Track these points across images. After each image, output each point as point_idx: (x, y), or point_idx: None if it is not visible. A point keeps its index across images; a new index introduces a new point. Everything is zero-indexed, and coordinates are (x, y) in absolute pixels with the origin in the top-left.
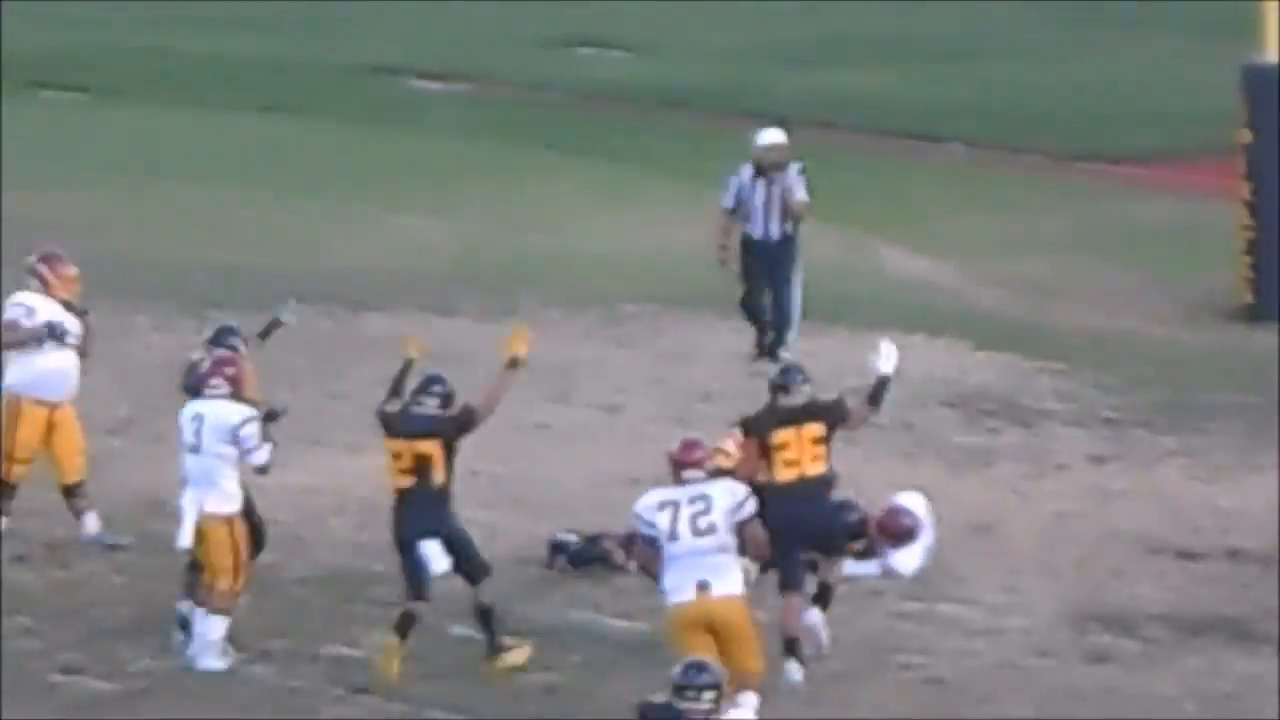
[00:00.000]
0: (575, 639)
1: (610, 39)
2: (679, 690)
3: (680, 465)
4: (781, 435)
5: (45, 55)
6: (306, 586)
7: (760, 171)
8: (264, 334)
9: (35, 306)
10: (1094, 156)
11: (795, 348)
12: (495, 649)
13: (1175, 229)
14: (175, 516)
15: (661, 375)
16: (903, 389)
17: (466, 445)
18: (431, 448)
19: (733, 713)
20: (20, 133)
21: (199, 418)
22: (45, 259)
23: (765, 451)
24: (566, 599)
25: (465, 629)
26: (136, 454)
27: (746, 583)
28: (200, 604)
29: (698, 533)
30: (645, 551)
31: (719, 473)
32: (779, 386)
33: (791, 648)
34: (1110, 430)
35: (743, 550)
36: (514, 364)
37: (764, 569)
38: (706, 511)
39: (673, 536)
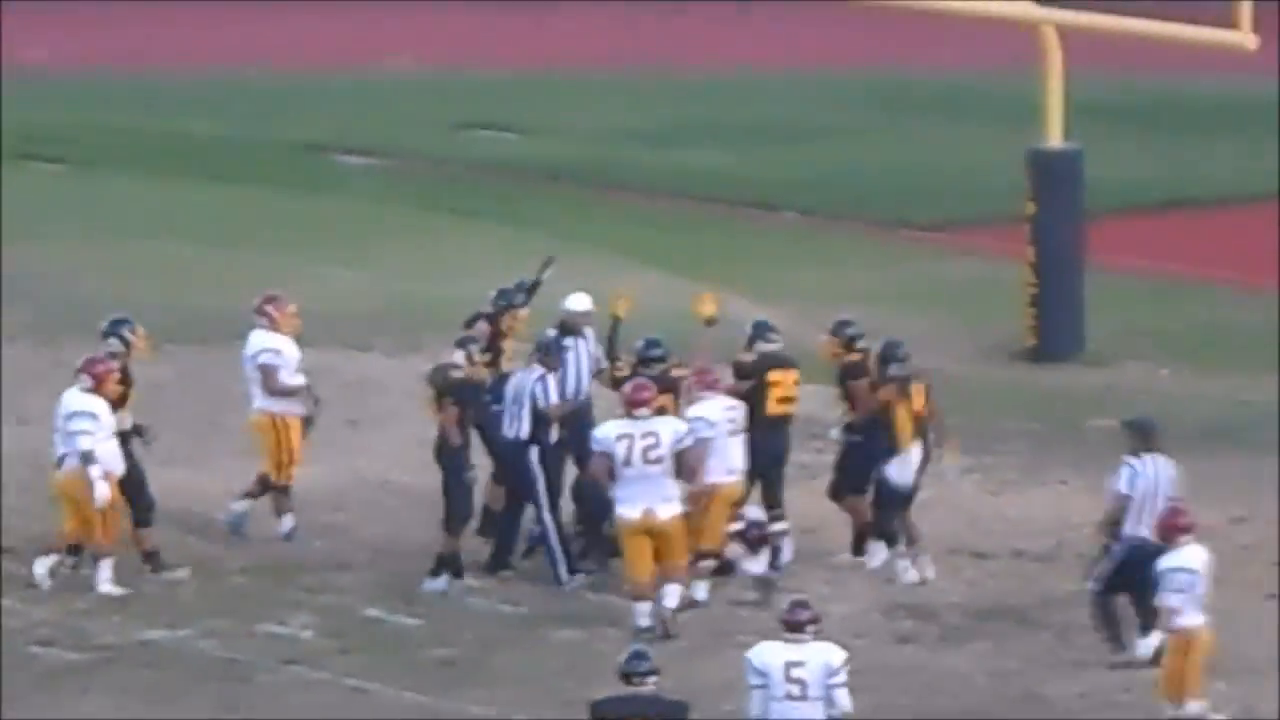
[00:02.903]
0: (468, 618)
1: (502, 123)
2: (626, 676)
3: (633, 404)
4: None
5: (29, 131)
6: (245, 574)
7: (568, 331)
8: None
9: (279, 348)
10: (906, 224)
11: None
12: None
13: (972, 284)
14: None
15: None
16: None
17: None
18: (665, 400)
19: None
20: (5, 196)
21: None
22: (268, 300)
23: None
24: (459, 587)
25: (377, 610)
26: None
27: None
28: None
29: (648, 461)
30: (601, 465)
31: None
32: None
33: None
34: None
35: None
36: (710, 323)
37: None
38: (656, 445)
39: (627, 463)
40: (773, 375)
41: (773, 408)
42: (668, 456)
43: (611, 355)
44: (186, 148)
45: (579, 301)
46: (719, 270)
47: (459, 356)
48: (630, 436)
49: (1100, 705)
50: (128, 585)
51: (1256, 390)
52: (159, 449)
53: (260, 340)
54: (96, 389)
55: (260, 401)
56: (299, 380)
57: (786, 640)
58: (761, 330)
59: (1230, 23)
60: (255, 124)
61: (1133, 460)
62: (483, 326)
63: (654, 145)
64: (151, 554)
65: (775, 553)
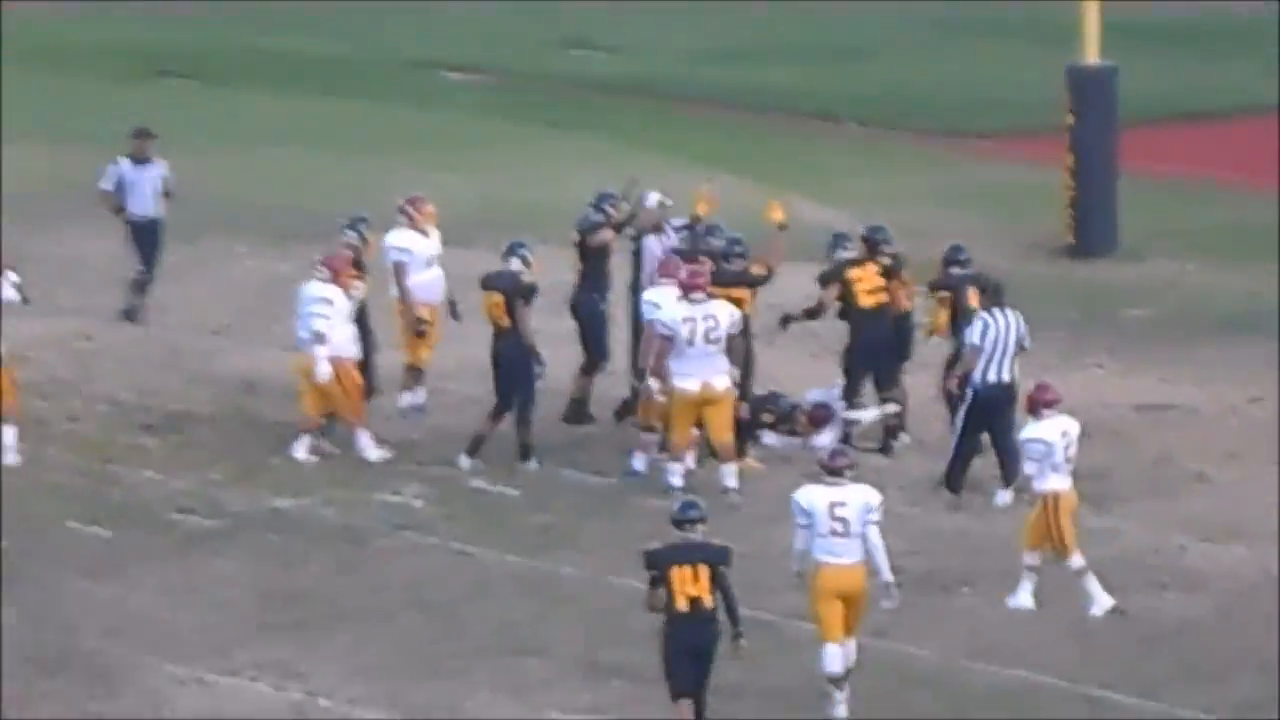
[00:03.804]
0: (563, 488)
1: (593, 43)
2: (678, 523)
3: (690, 288)
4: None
5: (165, 50)
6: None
7: (655, 229)
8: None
9: (410, 246)
10: (955, 132)
11: None
12: None
13: (1016, 188)
14: (261, 392)
15: None
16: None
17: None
18: (743, 294)
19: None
20: (144, 110)
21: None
22: (410, 200)
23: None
24: (556, 459)
25: (480, 481)
26: (234, 349)
27: None
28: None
29: (708, 341)
30: (665, 345)
31: None
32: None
33: None
34: None
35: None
36: (781, 228)
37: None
38: (715, 327)
39: (690, 342)
40: (851, 273)
41: (864, 300)
42: (724, 337)
43: (694, 251)
44: (306, 64)
45: (655, 200)
46: (786, 176)
47: (515, 263)
48: (694, 319)
49: (1128, 567)
50: (257, 459)
51: (1273, 283)
52: (282, 335)
53: (394, 238)
54: (334, 280)
55: (393, 290)
56: (433, 272)
57: (828, 483)
58: (839, 241)
59: None
60: (368, 43)
61: (985, 315)
62: (608, 233)
63: (729, 63)
64: None
65: (892, 432)
